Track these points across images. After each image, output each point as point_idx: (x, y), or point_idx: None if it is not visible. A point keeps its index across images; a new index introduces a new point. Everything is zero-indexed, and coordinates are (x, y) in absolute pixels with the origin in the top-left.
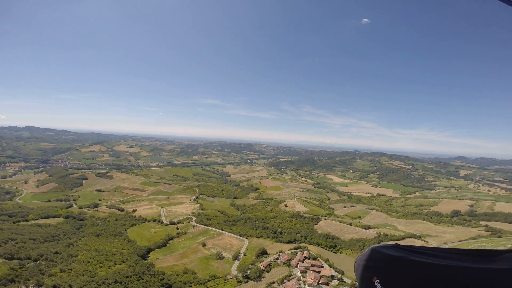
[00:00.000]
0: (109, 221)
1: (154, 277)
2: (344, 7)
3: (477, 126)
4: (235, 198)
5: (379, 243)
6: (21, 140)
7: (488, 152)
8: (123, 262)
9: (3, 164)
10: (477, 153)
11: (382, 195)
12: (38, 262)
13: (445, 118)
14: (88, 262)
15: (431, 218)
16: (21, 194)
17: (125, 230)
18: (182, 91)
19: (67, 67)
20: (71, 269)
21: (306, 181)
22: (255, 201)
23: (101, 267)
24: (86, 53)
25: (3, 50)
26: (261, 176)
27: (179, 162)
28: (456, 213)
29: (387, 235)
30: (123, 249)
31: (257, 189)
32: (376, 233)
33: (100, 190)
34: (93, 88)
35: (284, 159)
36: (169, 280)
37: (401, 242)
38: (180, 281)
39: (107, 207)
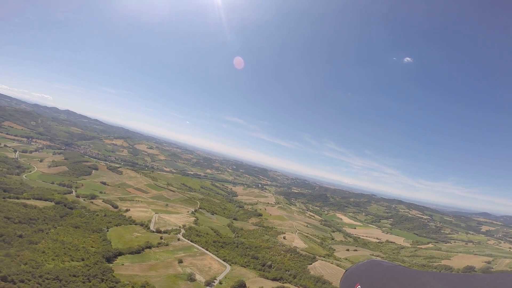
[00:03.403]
0: (97, 215)
1: (104, 283)
2: (385, 43)
3: (506, 185)
4: (234, 219)
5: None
6: (56, 120)
7: None
8: (82, 260)
9: (30, 139)
10: (502, 211)
11: (392, 242)
12: None
13: (472, 174)
14: (43, 252)
15: (439, 272)
16: (30, 171)
17: (107, 228)
18: (210, 104)
19: (116, 63)
20: (18, 255)
21: (313, 216)
22: (254, 227)
23: (53, 260)
24: (135, 55)
25: (58, 39)
26: (268, 203)
27: (192, 173)
28: (469, 269)
29: None
30: (92, 247)
31: (260, 215)
32: None
33: (104, 183)
34: (133, 87)
35: (296, 191)
36: None
37: None
38: None
39: (103, 201)
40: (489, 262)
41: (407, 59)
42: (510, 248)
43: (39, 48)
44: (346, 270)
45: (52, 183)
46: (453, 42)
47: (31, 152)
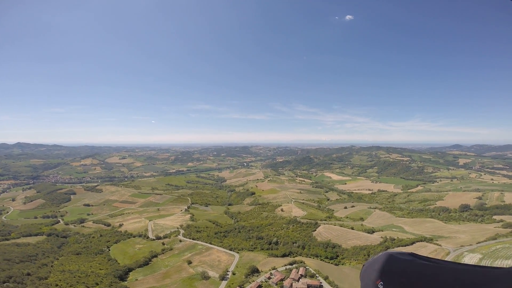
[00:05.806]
0: (93, 237)
1: None
2: (325, 4)
3: (468, 114)
4: (229, 205)
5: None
6: (10, 157)
7: (483, 139)
8: (97, 284)
9: None
10: (472, 140)
11: (383, 191)
12: (5, 284)
13: (435, 108)
14: (57, 285)
15: (439, 215)
16: (7, 212)
17: (108, 247)
18: (172, 98)
19: (53, 80)
20: None
21: (303, 181)
22: (251, 207)
23: None
24: (71, 66)
25: None
26: (258, 179)
27: (174, 170)
28: (465, 208)
29: (394, 240)
30: (100, 269)
31: (253, 193)
32: (381, 237)
33: (88, 205)
34: (81, 100)
35: (281, 160)
36: None
37: (411, 248)
38: None
39: (93, 222)
40: (480, 198)
41: (349, 16)
42: (492, 179)
43: None
44: (364, 265)
45: (35, 217)
46: None
47: None
